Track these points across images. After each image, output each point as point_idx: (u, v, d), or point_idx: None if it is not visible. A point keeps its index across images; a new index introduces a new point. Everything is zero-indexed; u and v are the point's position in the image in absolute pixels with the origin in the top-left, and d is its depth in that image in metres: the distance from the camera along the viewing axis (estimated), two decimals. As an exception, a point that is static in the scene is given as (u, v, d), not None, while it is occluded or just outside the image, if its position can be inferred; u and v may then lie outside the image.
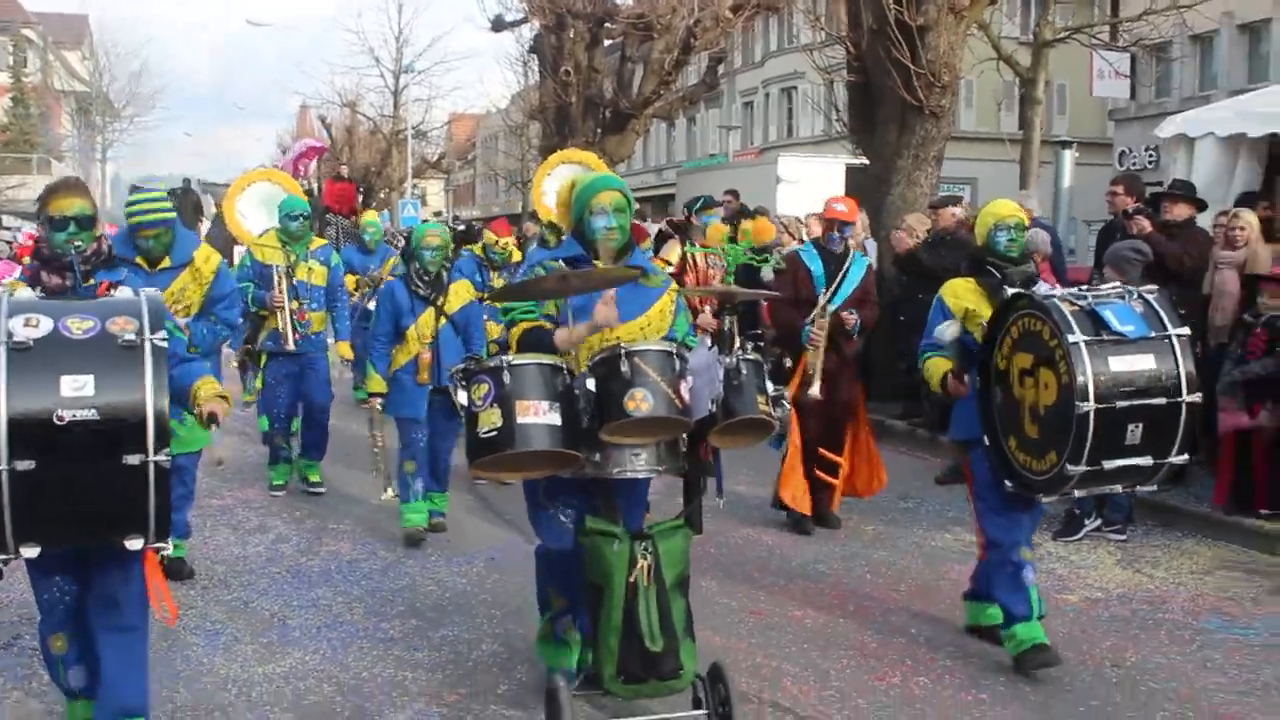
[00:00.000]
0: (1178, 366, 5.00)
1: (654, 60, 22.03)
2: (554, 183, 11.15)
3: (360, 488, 9.15)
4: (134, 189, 6.62)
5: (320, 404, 9.05)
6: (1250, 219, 8.85)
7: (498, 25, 24.09)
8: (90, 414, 3.68)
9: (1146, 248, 8.34)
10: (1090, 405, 4.86)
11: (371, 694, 5.36)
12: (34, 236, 4.57)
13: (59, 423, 3.65)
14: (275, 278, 8.60)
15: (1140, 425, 4.99)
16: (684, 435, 4.61)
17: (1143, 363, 5.01)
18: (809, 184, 18.23)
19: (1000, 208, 5.79)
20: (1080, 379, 4.87)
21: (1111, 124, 33.36)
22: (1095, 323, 5.00)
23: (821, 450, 8.31)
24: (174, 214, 6.49)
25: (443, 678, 5.55)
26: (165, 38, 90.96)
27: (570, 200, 4.95)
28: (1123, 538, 8.13)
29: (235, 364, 9.35)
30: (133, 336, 3.82)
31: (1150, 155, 27.14)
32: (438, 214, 51.69)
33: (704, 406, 4.45)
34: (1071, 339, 4.91)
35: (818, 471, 8.30)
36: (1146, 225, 8.68)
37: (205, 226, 19.37)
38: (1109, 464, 5.02)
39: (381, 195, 42.87)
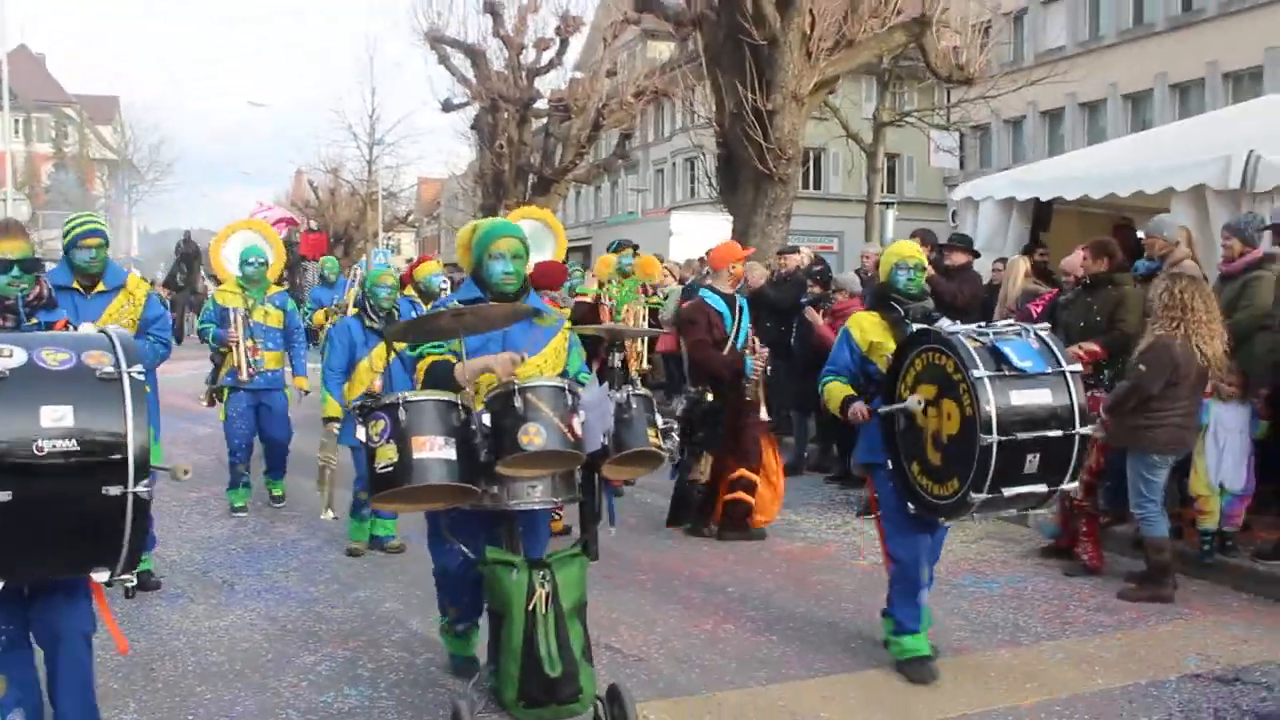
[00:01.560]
0: (1071, 400, 4.58)
1: (572, 136, 22.20)
2: None
3: (312, 493, 8.43)
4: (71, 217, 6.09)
5: (277, 439, 8.49)
6: (1017, 264, 9.17)
7: (446, 107, 24.10)
8: (70, 444, 3.15)
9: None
10: (994, 438, 4.38)
11: (291, 641, 5.47)
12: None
13: (38, 453, 3.12)
14: (232, 318, 8.20)
15: (1037, 455, 4.53)
16: (579, 466, 4.16)
17: (1040, 397, 4.55)
18: (695, 236, 18.55)
19: (901, 248, 5.39)
20: (985, 412, 4.38)
21: (946, 189, 34.14)
22: (997, 358, 4.53)
23: (744, 469, 7.69)
24: (105, 229, 5.97)
25: (350, 629, 5.67)
26: (181, 115, 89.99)
27: (471, 244, 4.48)
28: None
29: (204, 402, 8.88)
30: (110, 369, 3.29)
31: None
32: (409, 260, 51.47)
33: (596, 440, 4.07)
34: (976, 374, 4.43)
35: (739, 494, 7.68)
36: (930, 272, 9.03)
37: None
38: (1008, 491, 4.55)
39: (359, 246, 42.51)
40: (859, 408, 5.07)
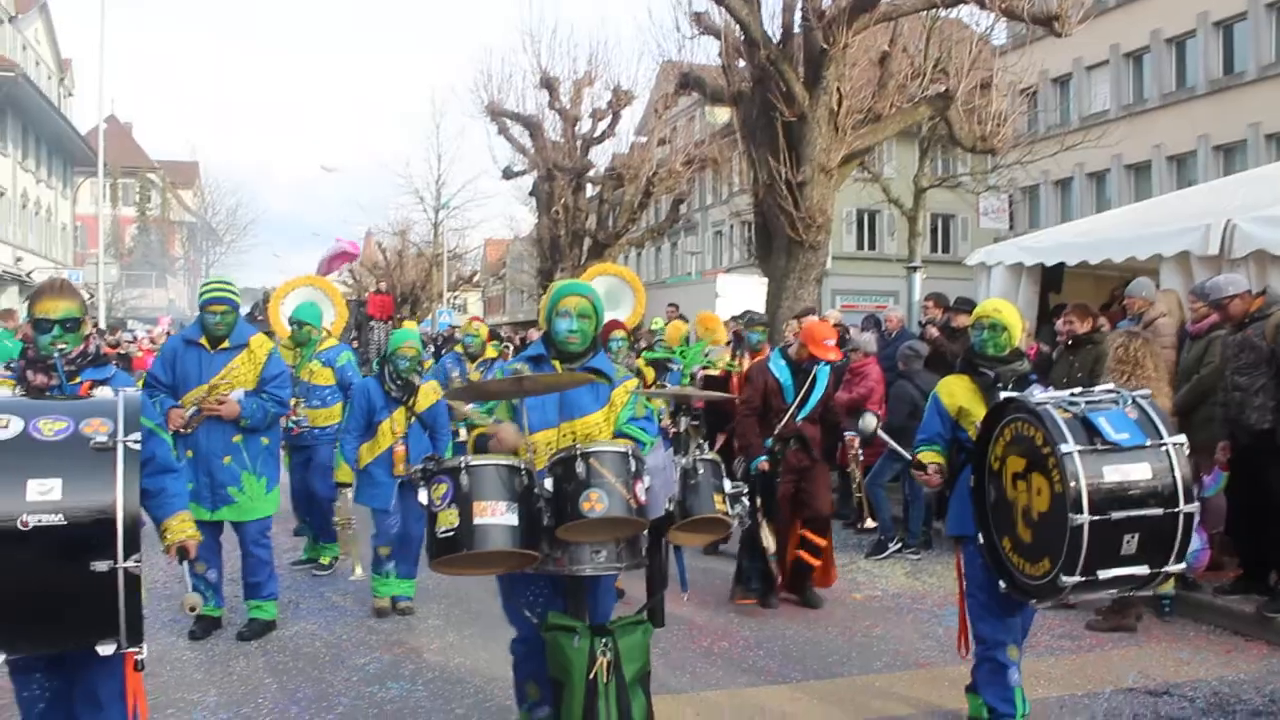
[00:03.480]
0: (1173, 474, 4.16)
1: (625, 202, 23.33)
2: None
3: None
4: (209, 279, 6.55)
5: (322, 494, 8.27)
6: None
7: (507, 174, 25.41)
8: (57, 518, 3.07)
9: (923, 347, 9.49)
10: (1085, 518, 4.03)
11: (345, 647, 6.40)
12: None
13: (22, 528, 3.04)
14: None
15: (1136, 536, 4.13)
16: (644, 532, 4.09)
17: (1138, 472, 4.16)
18: (738, 298, 19.43)
19: (984, 307, 5.19)
20: (1074, 490, 4.04)
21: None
22: (1088, 430, 4.18)
23: (808, 532, 7.50)
24: (238, 298, 6.43)
25: (395, 638, 6.59)
26: (258, 179, 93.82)
27: (544, 303, 4.50)
28: (917, 557, 9.16)
29: None
30: (105, 439, 3.21)
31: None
32: (475, 319, 53.02)
33: (660, 506, 4.01)
34: (1064, 448, 4.09)
35: (802, 553, 7.50)
36: (934, 331, 9.87)
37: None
38: (1104, 574, 4.17)
39: (425, 305, 44.11)
40: (925, 474, 4.91)
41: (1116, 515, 4.10)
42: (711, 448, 6.86)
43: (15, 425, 3.18)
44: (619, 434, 4.30)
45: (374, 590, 7.21)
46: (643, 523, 3.94)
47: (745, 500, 4.47)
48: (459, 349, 10.22)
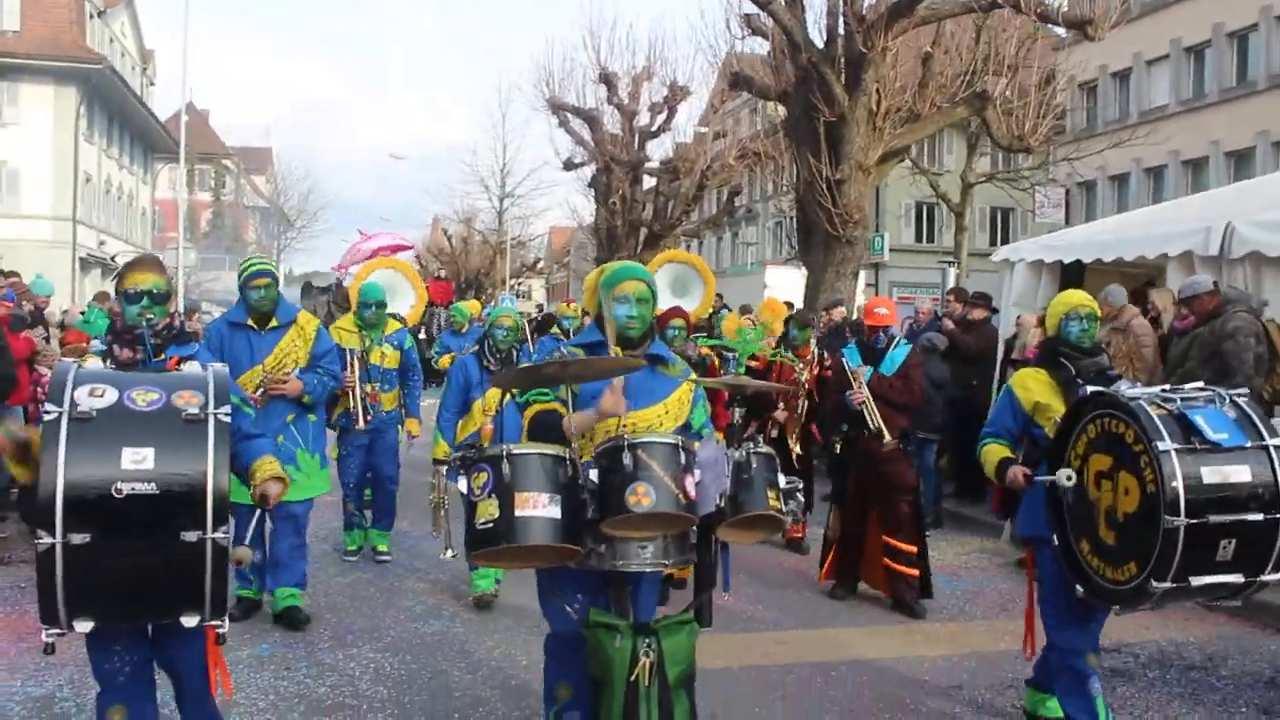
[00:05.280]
0: (1275, 478, 3.93)
1: (680, 194, 24.19)
2: (661, 279, 10.40)
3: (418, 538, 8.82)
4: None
5: (387, 473, 8.25)
6: (1027, 320, 10.64)
7: (568, 165, 26.41)
8: (149, 487, 3.12)
9: (941, 339, 10.23)
10: (1181, 520, 3.81)
11: (394, 591, 7.31)
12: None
13: (117, 495, 3.09)
14: (348, 359, 7.87)
15: (1233, 541, 3.91)
16: (694, 527, 3.87)
17: (1238, 474, 3.93)
18: (785, 289, 20.15)
19: (1072, 297, 4.91)
20: (1171, 491, 3.82)
21: (1055, 242, 34.91)
22: (1185, 429, 3.96)
23: (888, 538, 7.31)
24: (276, 271, 6.36)
25: (441, 584, 7.47)
26: (328, 166, 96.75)
27: (596, 286, 4.23)
28: (926, 534, 9.86)
29: None
30: (196, 411, 3.26)
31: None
32: (539, 306, 54.36)
33: (711, 501, 3.81)
34: (1161, 446, 3.87)
35: (888, 562, 7.32)
36: (949, 324, 10.60)
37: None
38: (1196, 581, 3.95)
39: (489, 291, 45.39)
40: (1017, 472, 4.57)
41: (1214, 519, 3.88)
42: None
43: (110, 394, 3.24)
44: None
45: (473, 584, 7.00)
46: (691, 519, 3.74)
47: (800, 496, 4.31)
48: (556, 330, 10.24)
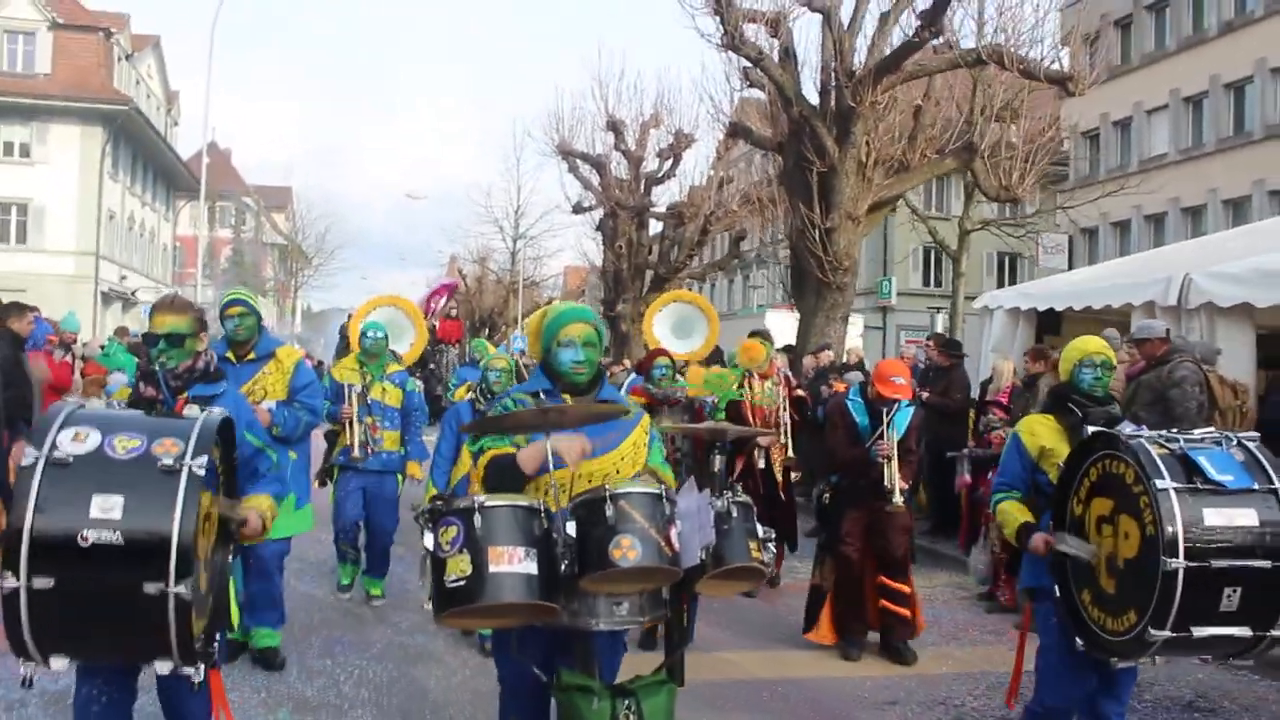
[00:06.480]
0: None
1: (685, 239, 24.87)
2: (664, 319, 11.36)
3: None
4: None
5: (383, 527, 8.11)
6: (1001, 366, 11.18)
7: (576, 209, 27.18)
8: (115, 537, 3.09)
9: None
10: (1180, 563, 3.62)
11: (385, 610, 7.87)
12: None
13: (82, 543, 3.08)
14: (347, 394, 7.91)
15: (1239, 590, 3.67)
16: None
17: (1244, 517, 3.72)
18: (783, 332, 20.69)
19: (1089, 343, 4.67)
20: (1169, 531, 3.64)
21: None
22: (1188, 468, 3.78)
23: (885, 579, 7.26)
24: (254, 302, 6.25)
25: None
26: (346, 206, 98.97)
27: (540, 330, 4.00)
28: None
29: (315, 481, 7.80)
30: (171, 461, 3.22)
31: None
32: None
33: (694, 554, 3.61)
34: (1160, 484, 3.71)
35: (886, 604, 7.26)
36: (931, 397, 11.18)
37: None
38: (1199, 631, 3.72)
39: (503, 329, 46.12)
40: (1039, 541, 4.28)
41: (1217, 564, 3.66)
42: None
43: (92, 440, 3.24)
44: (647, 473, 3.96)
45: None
46: (677, 572, 3.57)
47: (772, 547, 4.16)
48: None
